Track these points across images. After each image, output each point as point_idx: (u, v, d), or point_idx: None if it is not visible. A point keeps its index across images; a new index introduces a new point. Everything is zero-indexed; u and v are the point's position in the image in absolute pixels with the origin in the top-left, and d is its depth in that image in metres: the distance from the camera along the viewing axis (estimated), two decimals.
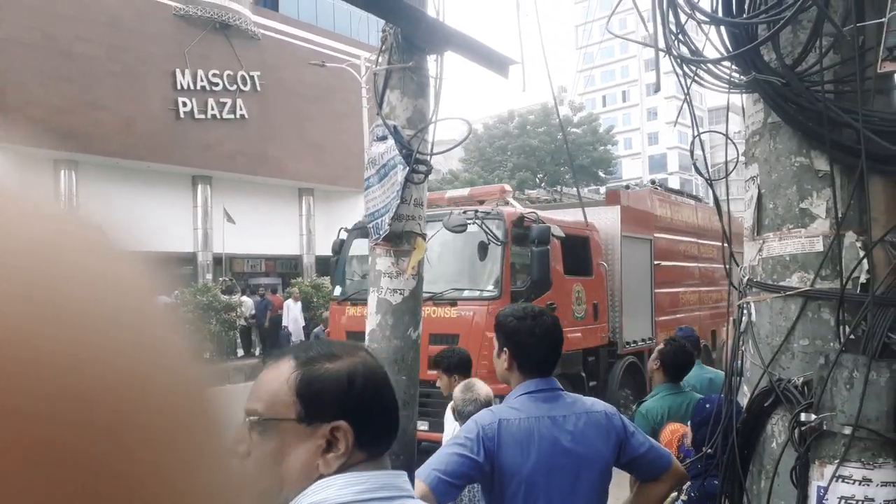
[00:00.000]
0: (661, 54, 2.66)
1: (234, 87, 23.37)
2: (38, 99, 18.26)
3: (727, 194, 2.69)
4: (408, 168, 2.69)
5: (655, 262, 9.74)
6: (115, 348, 0.25)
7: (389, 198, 2.73)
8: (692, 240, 11.01)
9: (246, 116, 23.56)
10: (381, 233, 2.77)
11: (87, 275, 0.26)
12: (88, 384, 0.24)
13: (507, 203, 8.69)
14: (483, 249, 7.16)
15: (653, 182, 11.49)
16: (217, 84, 23.02)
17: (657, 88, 2.44)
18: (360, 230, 8.75)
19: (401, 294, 2.77)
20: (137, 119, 20.58)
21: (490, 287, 7.28)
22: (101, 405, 0.24)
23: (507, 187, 9.54)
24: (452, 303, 7.15)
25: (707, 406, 2.99)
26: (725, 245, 2.63)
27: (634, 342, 9.31)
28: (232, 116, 23.29)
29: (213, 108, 22.82)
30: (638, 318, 9.44)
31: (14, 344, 0.22)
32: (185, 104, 22.20)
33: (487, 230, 7.18)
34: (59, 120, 18.57)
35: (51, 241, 0.26)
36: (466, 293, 7.25)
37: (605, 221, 8.94)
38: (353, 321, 8.07)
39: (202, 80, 22.62)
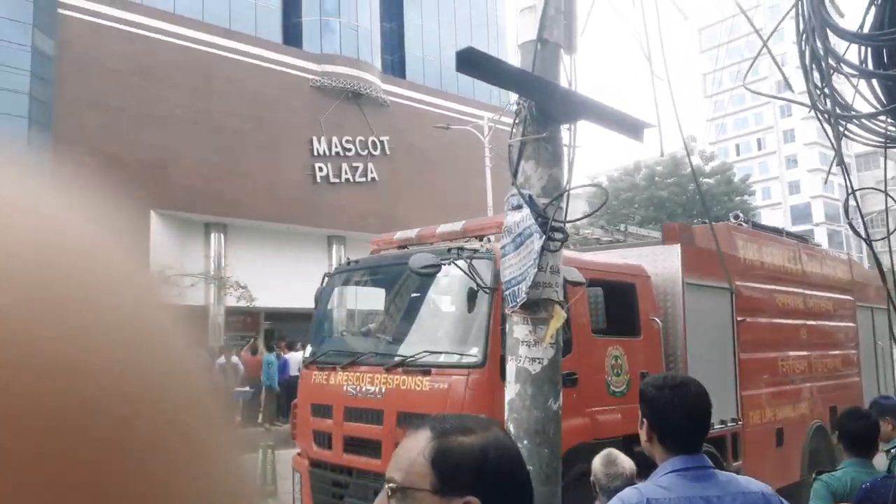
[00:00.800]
0: (809, 109, 2.55)
1: (366, 151, 24.81)
2: (194, 169, 20.39)
3: (889, 248, 2.51)
4: (544, 236, 2.71)
5: (739, 319, 7.48)
6: (124, 356, 0.25)
7: (526, 266, 2.74)
8: (796, 290, 8.66)
9: (377, 179, 24.86)
10: (517, 300, 2.78)
11: (94, 280, 0.26)
12: (94, 387, 0.24)
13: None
14: (466, 299, 5.30)
15: (736, 217, 9.32)
16: (350, 149, 24.54)
17: (839, 161, 2.29)
18: (341, 275, 7.32)
19: (539, 363, 2.74)
20: (279, 184, 22.29)
21: (473, 350, 5.28)
22: (104, 410, 0.24)
23: None
24: (426, 371, 5.40)
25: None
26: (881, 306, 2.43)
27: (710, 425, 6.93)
28: (364, 179, 24.70)
29: (346, 173, 24.32)
30: (714, 393, 6.68)
31: (16, 346, 0.22)
32: (321, 169, 23.85)
33: (471, 273, 5.22)
34: (210, 187, 20.59)
35: (58, 244, 0.26)
36: (443, 358, 5.44)
37: (663, 266, 6.81)
38: (321, 391, 6.37)
39: (336, 147, 24.23)
